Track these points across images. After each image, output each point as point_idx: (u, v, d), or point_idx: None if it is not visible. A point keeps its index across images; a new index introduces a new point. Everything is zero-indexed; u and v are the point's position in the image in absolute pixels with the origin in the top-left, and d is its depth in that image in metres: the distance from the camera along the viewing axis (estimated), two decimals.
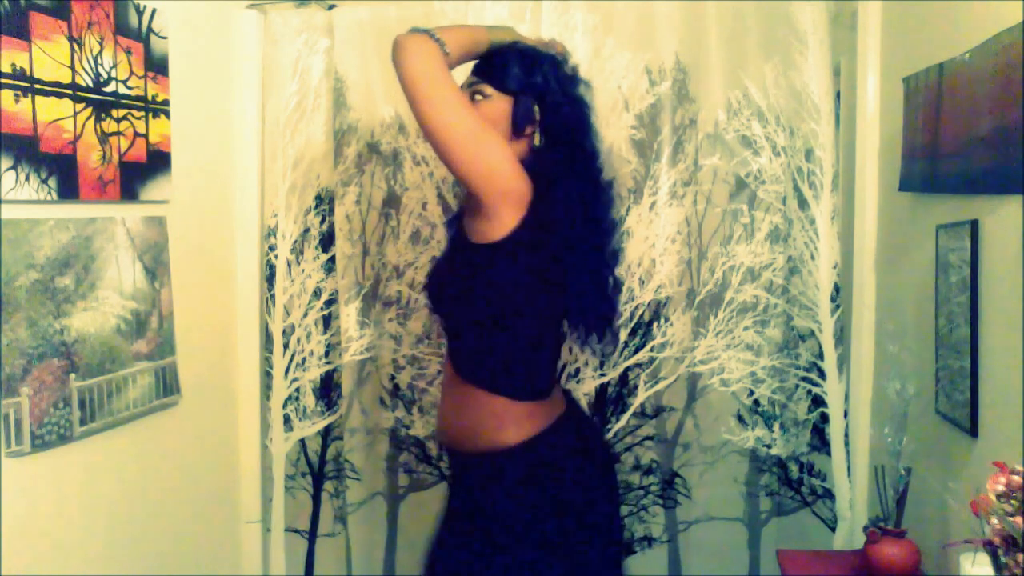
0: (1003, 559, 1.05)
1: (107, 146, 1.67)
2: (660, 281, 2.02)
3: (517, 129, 1.51)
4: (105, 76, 1.66)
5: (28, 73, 1.46)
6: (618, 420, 2.07)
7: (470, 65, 1.56)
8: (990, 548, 1.07)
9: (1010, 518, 1.03)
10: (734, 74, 1.98)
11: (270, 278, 2.17)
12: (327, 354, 2.19)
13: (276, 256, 2.16)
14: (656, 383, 2.06)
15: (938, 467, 1.58)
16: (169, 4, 1.87)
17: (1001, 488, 1.06)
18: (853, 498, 1.96)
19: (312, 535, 2.23)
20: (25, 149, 1.46)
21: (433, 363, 2.21)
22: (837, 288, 1.94)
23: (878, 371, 1.92)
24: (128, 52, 1.73)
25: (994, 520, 1.05)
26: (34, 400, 1.49)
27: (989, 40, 1.33)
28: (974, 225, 1.40)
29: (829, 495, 1.98)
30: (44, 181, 1.50)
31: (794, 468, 2.04)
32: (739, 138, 2.00)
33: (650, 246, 2.02)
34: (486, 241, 1.44)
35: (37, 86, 1.48)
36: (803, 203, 1.95)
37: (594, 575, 1.51)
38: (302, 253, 2.16)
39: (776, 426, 2.04)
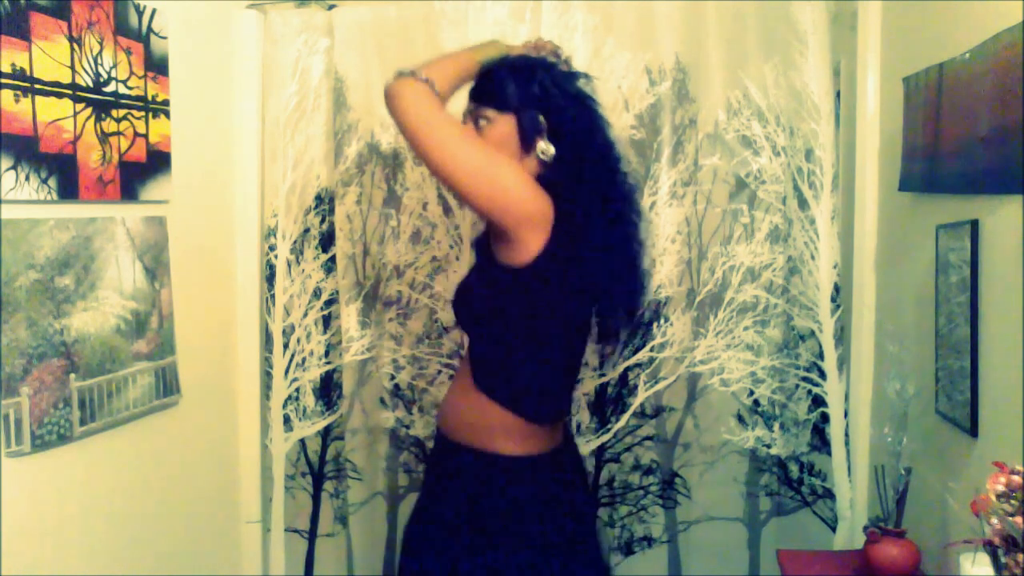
0: (1003, 559, 1.05)
1: (107, 146, 1.67)
2: (660, 281, 2.02)
3: (527, 145, 1.48)
4: (105, 76, 1.66)
5: (28, 73, 1.46)
6: (618, 420, 2.07)
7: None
8: (990, 548, 1.07)
9: (1010, 518, 1.03)
10: (734, 74, 1.98)
11: (270, 278, 2.17)
12: (327, 354, 2.19)
13: (276, 256, 2.16)
14: (656, 383, 2.06)
15: (938, 467, 1.58)
16: (169, 4, 1.87)
17: (1001, 488, 1.06)
18: (853, 498, 1.96)
19: (312, 535, 2.24)
20: (25, 149, 1.46)
21: (433, 363, 2.21)
22: (837, 288, 1.94)
23: (878, 371, 1.92)
24: (128, 52, 1.73)
25: (994, 520, 1.05)
26: (34, 400, 1.49)
27: (989, 40, 1.33)
28: (974, 225, 1.40)
29: (829, 495, 1.98)
30: (44, 181, 1.50)
31: (794, 468, 2.04)
32: (739, 138, 2.00)
33: (650, 246, 2.02)
34: (513, 265, 1.42)
35: (37, 86, 1.48)
36: (803, 203, 1.95)
37: None
38: (302, 253, 2.16)
39: (776, 426, 2.04)
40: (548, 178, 1.45)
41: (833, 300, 1.94)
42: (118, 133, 1.70)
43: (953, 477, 1.50)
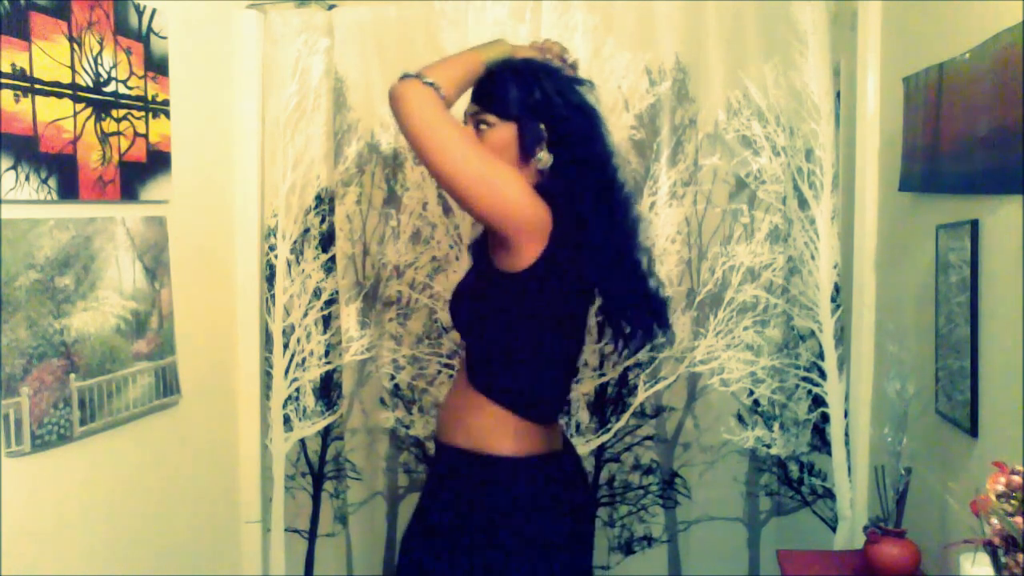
0: (1003, 559, 1.05)
1: (107, 146, 1.67)
2: (660, 281, 2.02)
3: (526, 154, 1.47)
4: (105, 76, 1.66)
5: (28, 73, 1.46)
6: (618, 420, 2.07)
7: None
8: (990, 548, 1.07)
9: (1010, 518, 1.03)
10: (734, 74, 1.98)
11: (270, 278, 2.17)
12: (327, 354, 2.19)
13: (276, 256, 2.16)
14: (656, 383, 2.06)
15: (938, 467, 1.58)
16: (169, 4, 1.87)
17: (1001, 488, 1.06)
18: (853, 498, 1.96)
19: (312, 535, 2.24)
20: (25, 149, 1.46)
21: (433, 363, 2.21)
22: (837, 288, 1.94)
23: (878, 371, 1.92)
24: (128, 52, 1.73)
25: (994, 520, 1.05)
26: (34, 400, 1.49)
27: (989, 40, 1.33)
28: (974, 225, 1.40)
29: (829, 495, 1.98)
30: (44, 181, 1.50)
31: (794, 468, 2.04)
32: (739, 138, 2.00)
33: (650, 246, 2.02)
34: (510, 270, 1.43)
35: (37, 86, 1.48)
36: (803, 203, 1.95)
37: None
38: (302, 253, 2.16)
39: (776, 426, 2.04)
40: (546, 187, 1.45)
41: (833, 300, 1.94)
42: (118, 133, 1.70)
43: (953, 477, 1.50)
